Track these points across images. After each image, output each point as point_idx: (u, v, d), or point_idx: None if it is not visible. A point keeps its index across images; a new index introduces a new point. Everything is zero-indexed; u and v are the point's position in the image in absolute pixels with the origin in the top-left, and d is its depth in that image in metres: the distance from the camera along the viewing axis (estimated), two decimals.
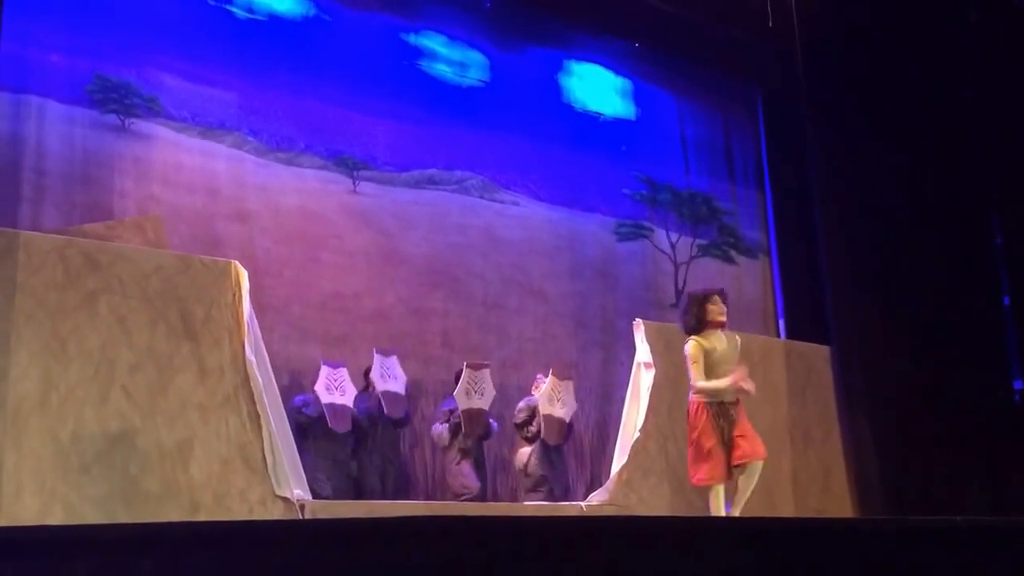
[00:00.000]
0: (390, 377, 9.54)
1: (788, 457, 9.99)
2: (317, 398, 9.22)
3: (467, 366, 9.70)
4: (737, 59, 12.92)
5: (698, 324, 7.82)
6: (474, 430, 9.64)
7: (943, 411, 10.38)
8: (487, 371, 9.76)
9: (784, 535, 4.89)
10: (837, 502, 10.21)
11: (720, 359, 7.74)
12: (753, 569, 4.53)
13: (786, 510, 9.59)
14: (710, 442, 7.61)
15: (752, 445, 7.67)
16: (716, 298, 7.88)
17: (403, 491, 9.97)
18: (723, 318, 7.83)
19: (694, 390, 7.73)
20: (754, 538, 4.71)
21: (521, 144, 11.86)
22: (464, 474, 9.66)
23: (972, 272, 10.96)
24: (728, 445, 7.65)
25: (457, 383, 9.68)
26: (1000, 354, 10.86)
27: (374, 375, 9.51)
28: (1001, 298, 10.95)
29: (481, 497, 9.67)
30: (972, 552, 5.19)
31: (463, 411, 9.57)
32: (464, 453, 9.69)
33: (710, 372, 7.71)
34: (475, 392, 9.62)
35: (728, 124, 13.61)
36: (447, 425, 9.73)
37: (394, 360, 9.69)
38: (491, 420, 9.86)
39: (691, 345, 7.78)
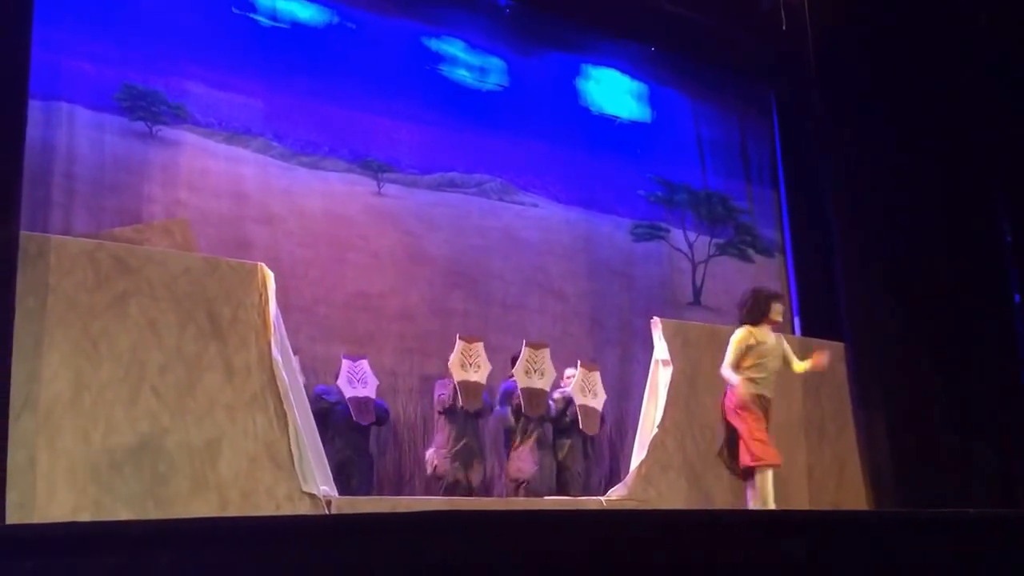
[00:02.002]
0: (471, 366, 9.51)
1: (803, 452, 10.07)
2: (339, 389, 9.38)
3: (526, 345, 9.79)
4: (751, 61, 13.02)
5: (759, 318, 8.38)
6: (535, 409, 9.67)
7: (955, 406, 10.44)
8: (546, 351, 9.83)
9: (800, 527, 5.00)
10: (852, 495, 10.27)
11: (768, 352, 8.27)
12: (770, 560, 4.63)
13: (801, 503, 9.66)
14: (762, 424, 8.11)
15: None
16: (782, 298, 8.66)
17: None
18: (781, 319, 8.53)
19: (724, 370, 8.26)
20: (770, 530, 4.82)
21: (539, 147, 11.99)
22: (521, 458, 9.70)
23: (983, 269, 10.99)
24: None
25: (514, 365, 9.76)
26: (1010, 350, 10.89)
27: (452, 365, 9.47)
28: (1011, 295, 10.97)
29: (544, 481, 9.68)
30: (983, 543, 5.29)
31: (523, 390, 9.62)
32: (524, 436, 9.73)
33: (754, 360, 8.22)
34: (534, 371, 9.68)
35: (743, 125, 13.68)
36: (509, 408, 9.80)
37: (480, 348, 9.65)
38: (552, 401, 9.91)
39: (742, 331, 8.33)
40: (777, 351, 8.37)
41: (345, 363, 9.55)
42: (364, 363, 9.63)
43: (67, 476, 6.70)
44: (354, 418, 9.28)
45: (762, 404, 8.16)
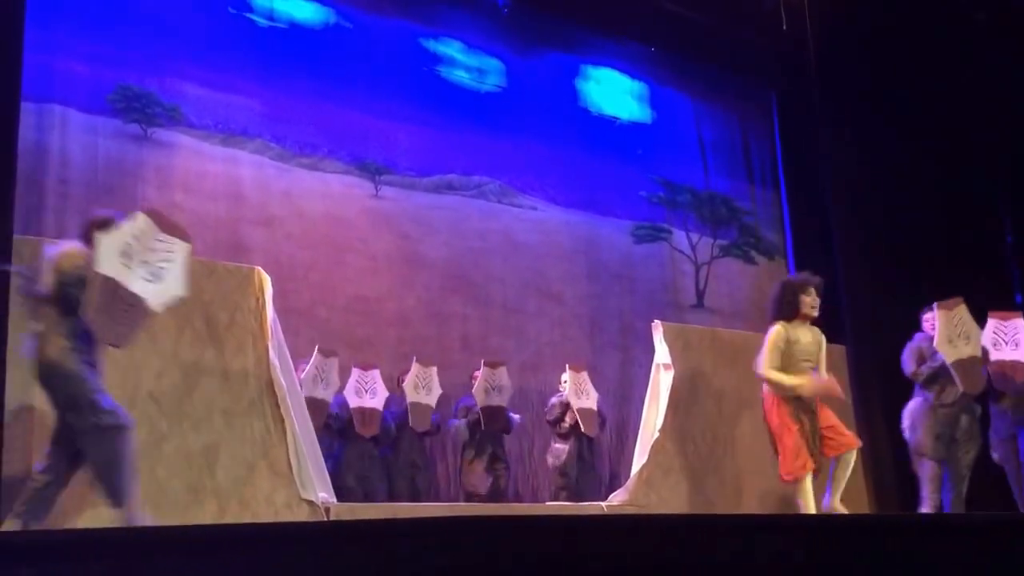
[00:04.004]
0: (422, 388, 9.62)
1: None
2: (345, 401, 9.36)
3: (484, 364, 9.86)
4: (751, 61, 12.98)
5: (789, 312, 7.59)
6: (493, 426, 9.82)
7: None
8: (504, 369, 9.91)
9: (802, 531, 4.96)
10: (854, 499, 10.20)
11: (803, 352, 7.52)
12: (771, 564, 4.59)
13: None
14: (791, 436, 7.40)
15: (842, 436, 7.53)
16: (811, 289, 7.63)
17: (430, 493, 10.08)
18: (814, 312, 7.59)
19: (761, 378, 7.54)
20: (771, 534, 4.77)
21: (538, 149, 11.95)
22: (475, 473, 9.84)
23: (983, 269, 10.97)
24: (814, 437, 7.46)
25: (473, 382, 9.86)
26: None
27: (406, 386, 9.62)
28: (1013, 296, 10.97)
29: (497, 496, 9.77)
30: (985, 546, 5.24)
31: (482, 408, 9.75)
32: (478, 452, 9.87)
33: (789, 362, 7.49)
34: (493, 389, 9.77)
35: (745, 126, 13.65)
36: (465, 421, 9.93)
37: (433, 372, 9.73)
38: (511, 414, 10.02)
39: (774, 330, 7.53)
40: (813, 351, 7.58)
41: (355, 372, 9.47)
42: (375, 373, 9.54)
43: None
44: (356, 428, 9.24)
45: (800, 406, 7.45)
